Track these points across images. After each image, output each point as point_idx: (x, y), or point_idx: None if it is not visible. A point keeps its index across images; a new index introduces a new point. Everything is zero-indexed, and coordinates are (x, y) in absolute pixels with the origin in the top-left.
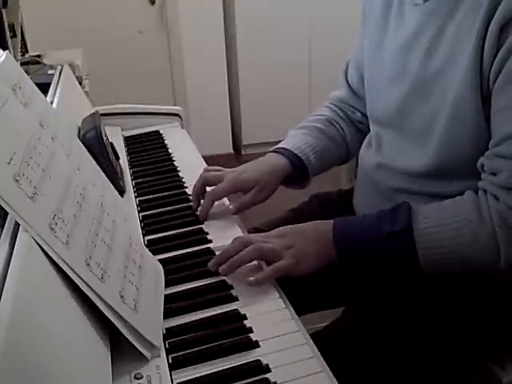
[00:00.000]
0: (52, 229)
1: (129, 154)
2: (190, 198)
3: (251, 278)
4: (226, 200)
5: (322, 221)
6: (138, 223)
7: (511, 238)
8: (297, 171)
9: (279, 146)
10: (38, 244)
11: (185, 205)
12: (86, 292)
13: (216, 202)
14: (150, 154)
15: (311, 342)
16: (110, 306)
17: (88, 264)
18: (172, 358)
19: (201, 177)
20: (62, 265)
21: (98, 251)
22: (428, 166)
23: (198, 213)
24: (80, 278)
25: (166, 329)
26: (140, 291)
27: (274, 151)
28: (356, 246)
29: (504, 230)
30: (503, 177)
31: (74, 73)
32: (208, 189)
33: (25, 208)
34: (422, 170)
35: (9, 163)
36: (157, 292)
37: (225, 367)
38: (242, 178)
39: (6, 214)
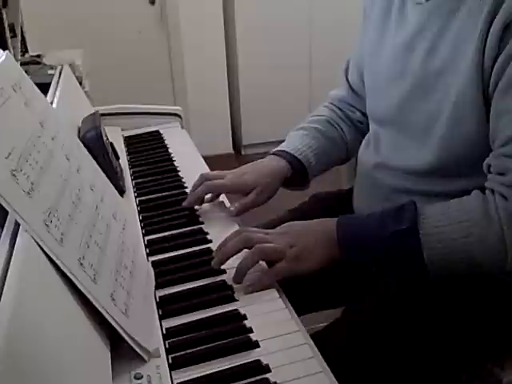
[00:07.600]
0: (47, 225)
1: (129, 154)
2: None
3: (249, 285)
4: (226, 202)
5: (326, 218)
6: (138, 223)
7: None
8: (297, 173)
9: (278, 148)
10: (38, 244)
11: None
12: (82, 291)
13: (217, 204)
14: (150, 154)
15: (311, 342)
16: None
17: (81, 264)
18: (172, 358)
19: (201, 175)
20: (56, 261)
21: (91, 252)
22: (427, 165)
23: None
24: (74, 276)
25: (166, 329)
26: (130, 296)
27: (273, 154)
28: (360, 244)
29: None
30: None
31: (74, 73)
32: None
33: (20, 202)
34: (421, 169)
35: (7, 158)
36: (146, 300)
37: (225, 367)
38: (242, 180)
39: (7, 213)
